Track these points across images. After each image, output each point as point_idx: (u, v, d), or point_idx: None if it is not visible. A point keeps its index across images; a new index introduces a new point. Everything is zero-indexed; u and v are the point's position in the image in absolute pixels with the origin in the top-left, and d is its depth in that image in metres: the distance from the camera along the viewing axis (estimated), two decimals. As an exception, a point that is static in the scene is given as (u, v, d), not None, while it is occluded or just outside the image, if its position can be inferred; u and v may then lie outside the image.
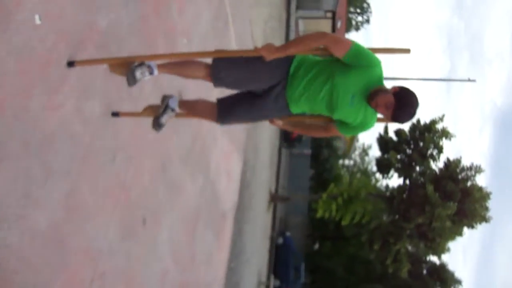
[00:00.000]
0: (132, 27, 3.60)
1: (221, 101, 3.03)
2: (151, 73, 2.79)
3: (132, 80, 2.72)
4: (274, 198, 15.40)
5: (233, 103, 2.98)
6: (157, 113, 3.06)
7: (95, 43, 2.99)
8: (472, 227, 14.02)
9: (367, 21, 44.63)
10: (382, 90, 2.52)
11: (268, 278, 13.55)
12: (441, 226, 13.08)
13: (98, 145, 3.13)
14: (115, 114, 3.24)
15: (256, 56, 2.62)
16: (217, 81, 2.83)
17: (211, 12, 6.43)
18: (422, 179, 14.06)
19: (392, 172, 14.85)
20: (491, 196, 14.47)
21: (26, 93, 2.33)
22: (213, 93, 3.42)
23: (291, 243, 19.65)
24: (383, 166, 15.08)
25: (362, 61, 2.52)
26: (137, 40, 3.70)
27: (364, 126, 2.74)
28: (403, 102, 2.47)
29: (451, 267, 23.66)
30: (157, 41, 4.22)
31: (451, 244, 15.83)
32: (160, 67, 2.86)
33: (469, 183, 13.93)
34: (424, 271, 22.86)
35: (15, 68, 2.24)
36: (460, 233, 14.76)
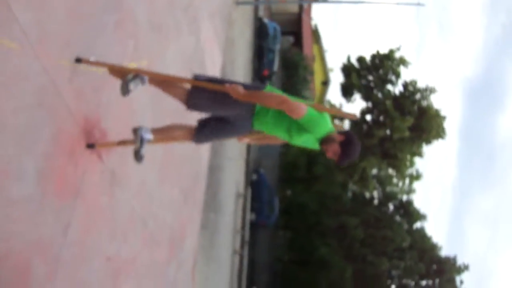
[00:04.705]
0: None
1: (198, 127, 3.44)
2: (143, 83, 3.27)
3: (125, 91, 3.20)
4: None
5: (209, 127, 3.40)
6: (136, 147, 3.37)
7: None
8: (430, 142, 15.55)
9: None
10: (330, 139, 2.99)
11: (245, 190, 14.73)
12: (401, 139, 14.53)
13: None
14: (90, 146, 3.40)
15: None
16: (190, 107, 3.28)
17: None
18: (382, 100, 15.47)
19: (355, 95, 16.21)
20: (446, 119, 16.08)
21: None
22: None
23: (265, 179, 20.77)
24: (347, 89, 16.42)
25: (312, 129, 2.96)
26: None
27: (314, 148, 3.27)
28: (347, 152, 2.97)
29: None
30: None
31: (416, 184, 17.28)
32: (150, 81, 3.34)
33: (425, 103, 15.43)
34: (391, 207, 24.52)
35: None
36: (420, 153, 16.30)
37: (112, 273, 3.97)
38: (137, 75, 3.21)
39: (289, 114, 2.91)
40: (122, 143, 3.52)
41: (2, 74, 2.35)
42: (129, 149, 4.25)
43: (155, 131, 3.46)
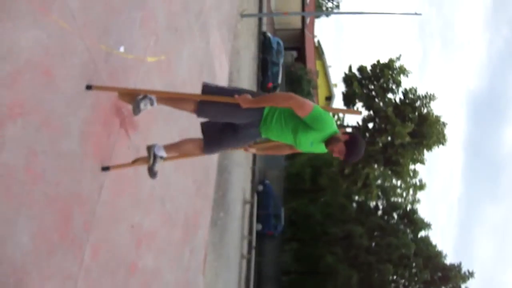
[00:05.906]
0: None
1: (206, 137, 3.60)
2: (152, 104, 3.42)
3: (137, 110, 3.36)
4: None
5: (216, 138, 3.55)
6: (149, 164, 3.58)
7: None
8: (430, 148, 15.97)
9: (337, 6, 46.62)
10: (336, 138, 3.12)
11: (252, 197, 15.18)
12: (402, 145, 14.99)
13: None
14: (105, 169, 3.59)
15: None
16: (201, 115, 3.45)
17: None
18: (384, 108, 15.99)
19: (357, 104, 16.74)
20: (446, 125, 16.52)
21: None
22: None
23: (270, 190, 21.17)
24: (349, 99, 16.96)
25: (318, 126, 3.07)
26: None
27: (320, 152, 3.41)
28: (352, 151, 3.10)
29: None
30: None
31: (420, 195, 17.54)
32: (159, 100, 3.51)
33: (425, 110, 15.93)
34: (395, 216, 24.79)
35: None
36: (421, 160, 16.69)
37: (136, 241, 4.46)
38: (146, 96, 3.39)
39: (296, 110, 3.03)
40: (136, 161, 3.80)
41: (58, 47, 2.91)
42: (153, 132, 4.79)
43: (169, 147, 3.74)
